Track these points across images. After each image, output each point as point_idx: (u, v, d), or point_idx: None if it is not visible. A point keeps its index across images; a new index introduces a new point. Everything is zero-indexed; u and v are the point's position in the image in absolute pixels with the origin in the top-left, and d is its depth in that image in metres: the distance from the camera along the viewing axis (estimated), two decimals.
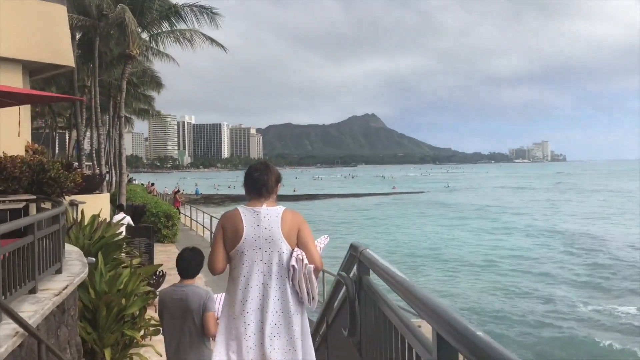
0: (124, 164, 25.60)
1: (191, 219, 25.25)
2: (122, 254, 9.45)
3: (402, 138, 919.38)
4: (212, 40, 26.12)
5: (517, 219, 47.40)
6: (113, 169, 44.93)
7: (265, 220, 3.37)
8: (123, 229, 12.13)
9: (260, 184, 3.45)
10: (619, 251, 29.62)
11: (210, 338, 4.46)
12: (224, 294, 3.72)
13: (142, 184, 51.86)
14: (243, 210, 3.46)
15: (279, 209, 3.45)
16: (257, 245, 3.35)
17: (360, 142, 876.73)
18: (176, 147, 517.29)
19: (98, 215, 9.86)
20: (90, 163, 39.94)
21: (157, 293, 11.01)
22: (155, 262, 16.81)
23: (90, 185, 10.30)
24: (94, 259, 6.95)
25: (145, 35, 27.26)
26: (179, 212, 28.59)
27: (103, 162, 28.31)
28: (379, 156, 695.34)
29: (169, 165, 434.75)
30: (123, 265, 8.11)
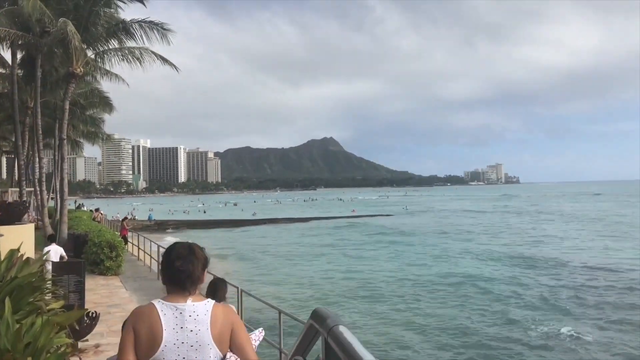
0: (65, 189, 23.84)
1: (139, 249, 23.56)
2: (46, 297, 8.08)
3: (360, 161, 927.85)
4: (163, 59, 24.91)
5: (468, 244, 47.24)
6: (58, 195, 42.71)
7: (191, 320, 2.60)
8: (49, 265, 10.68)
9: (184, 275, 2.64)
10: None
11: None
12: None
13: (90, 211, 49.39)
14: (161, 306, 2.65)
15: (208, 304, 2.68)
16: (180, 354, 2.56)
17: (319, 166, 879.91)
18: (131, 172, 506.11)
19: (18, 250, 8.44)
20: (33, 189, 37.71)
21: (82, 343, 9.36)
22: (95, 297, 15.24)
23: (10, 215, 8.86)
24: None
25: (91, 54, 25.76)
26: (126, 241, 26.85)
27: (44, 187, 26.35)
28: (338, 179, 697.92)
29: (123, 190, 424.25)
30: (39, 311, 6.78)
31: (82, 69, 23.22)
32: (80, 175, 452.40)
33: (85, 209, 62.28)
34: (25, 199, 30.15)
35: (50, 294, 8.55)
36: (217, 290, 6.64)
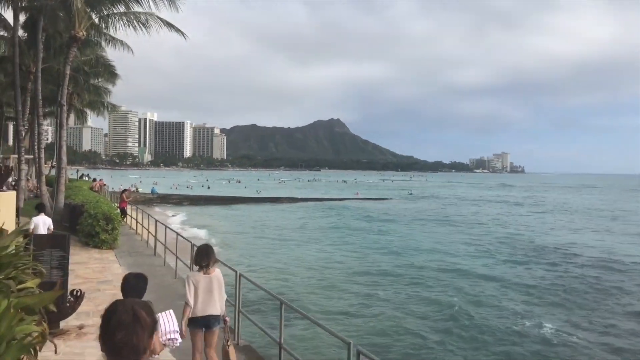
0: (64, 157, 23.06)
1: (137, 222, 22.79)
2: (23, 274, 7.27)
3: (366, 144, 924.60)
4: (170, 26, 23.86)
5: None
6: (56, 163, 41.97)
7: None
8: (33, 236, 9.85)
9: (126, 350, 2.17)
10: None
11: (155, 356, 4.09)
12: (166, 312, 4.60)
13: (93, 180, 48.71)
14: None
15: None
16: None
17: (325, 147, 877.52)
18: (137, 144, 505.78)
19: None
20: (32, 156, 36.97)
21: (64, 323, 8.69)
22: (86, 272, 14.48)
23: None
24: None
25: (95, 17, 24.73)
26: (125, 214, 26.11)
27: (43, 154, 25.53)
28: (343, 161, 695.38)
29: (128, 163, 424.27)
30: (11, 291, 5.96)
31: (84, 33, 22.26)
32: (86, 146, 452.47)
33: (87, 179, 61.66)
34: (8, 164, 29.35)
35: (29, 270, 7.78)
36: (209, 256, 6.81)
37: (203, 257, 6.83)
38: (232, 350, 6.92)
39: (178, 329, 5.20)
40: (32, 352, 5.65)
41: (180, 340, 5.25)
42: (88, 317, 9.95)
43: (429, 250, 32.77)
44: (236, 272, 9.15)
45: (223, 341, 7.03)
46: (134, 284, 5.13)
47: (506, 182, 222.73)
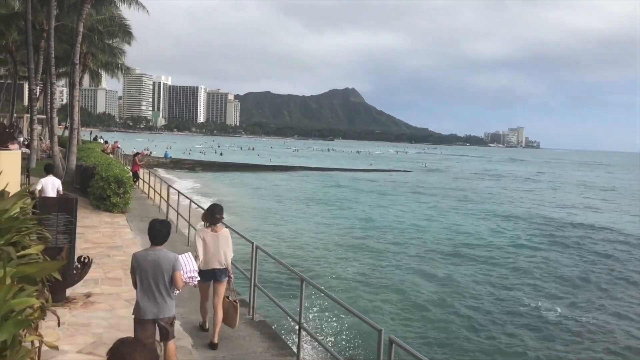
0: (75, 118, 22.57)
1: (149, 186, 22.34)
2: (26, 239, 6.76)
3: (380, 115, 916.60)
4: None
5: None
6: (79, 126, 41.52)
7: None
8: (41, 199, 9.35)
9: None
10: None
11: (176, 290, 5.73)
12: (186, 255, 5.97)
13: (105, 142, 48.41)
14: None
15: None
16: None
17: (339, 116, 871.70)
18: (150, 108, 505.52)
19: None
20: (44, 117, 36.57)
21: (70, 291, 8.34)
22: (96, 237, 14.06)
23: None
24: None
25: None
26: (137, 178, 25.68)
27: (55, 114, 25.01)
28: (357, 131, 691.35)
29: (142, 126, 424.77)
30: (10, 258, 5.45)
31: None
32: (101, 108, 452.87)
33: (101, 141, 61.47)
34: (8, 123, 28.93)
35: (34, 236, 7.28)
36: (218, 214, 7.35)
37: (211, 215, 7.39)
38: (237, 306, 7.49)
39: (197, 270, 6.05)
40: (32, 325, 5.19)
41: (198, 279, 6.07)
42: (96, 284, 9.52)
43: (445, 227, 32.13)
44: (252, 243, 8.60)
45: (229, 297, 7.57)
46: (159, 229, 5.79)
47: (520, 157, 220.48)
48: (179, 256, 5.87)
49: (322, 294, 6.67)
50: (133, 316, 5.80)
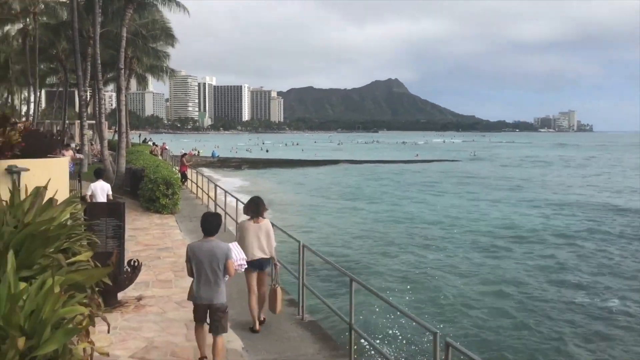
0: (123, 122, 23.04)
1: (197, 186, 22.59)
2: (76, 245, 6.82)
3: (425, 104, 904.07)
4: None
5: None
6: (127, 129, 42.63)
7: None
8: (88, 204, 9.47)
9: None
10: None
11: (227, 277, 6.30)
12: (234, 244, 6.79)
13: (153, 144, 49.45)
14: None
15: None
16: None
17: (382, 108, 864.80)
18: (197, 109, 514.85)
19: (45, 188, 7.19)
20: (94, 122, 37.59)
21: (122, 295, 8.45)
22: (147, 239, 14.25)
23: (37, 146, 7.55)
24: None
25: None
26: (186, 178, 26.04)
27: (104, 119, 25.62)
28: (401, 122, 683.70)
29: (189, 127, 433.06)
30: (54, 268, 5.47)
31: None
32: (149, 111, 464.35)
33: (150, 143, 62.83)
34: (61, 129, 29.59)
35: (84, 242, 7.35)
36: (259, 206, 7.76)
37: (252, 207, 7.79)
38: (279, 291, 7.87)
39: (245, 258, 6.89)
40: (83, 332, 5.18)
41: (246, 266, 6.94)
42: (147, 287, 9.59)
43: (496, 218, 31.27)
44: (299, 242, 8.46)
45: (272, 283, 8.00)
46: (211, 221, 6.37)
47: (572, 142, 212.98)
48: (230, 245, 6.47)
49: (371, 293, 6.43)
50: (190, 302, 6.42)
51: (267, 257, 7.70)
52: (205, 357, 6.33)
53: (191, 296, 6.37)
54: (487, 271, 18.85)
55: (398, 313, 5.63)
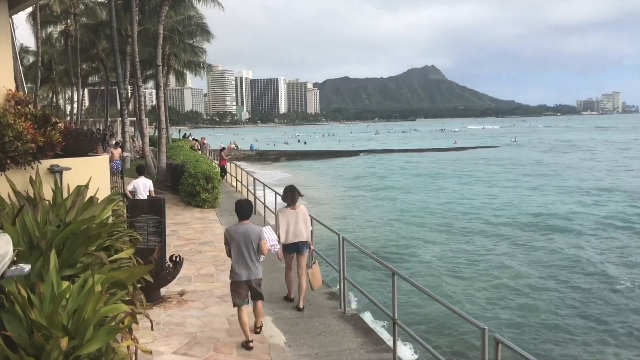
0: (162, 118, 23.30)
1: (236, 180, 22.73)
2: (118, 242, 6.88)
3: (463, 90, 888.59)
4: None
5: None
6: (167, 125, 43.39)
7: None
8: (132, 201, 9.56)
9: None
10: None
11: (262, 255, 7.01)
12: (268, 227, 7.50)
13: (193, 139, 50.06)
14: None
15: None
16: None
17: (419, 95, 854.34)
18: (234, 103, 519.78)
19: (86, 187, 7.28)
20: (134, 119, 38.27)
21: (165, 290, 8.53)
22: (188, 233, 14.38)
23: (78, 145, 7.64)
24: (27, 267, 4.28)
25: None
26: (225, 172, 26.24)
27: (144, 116, 26.05)
28: (439, 109, 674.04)
29: (227, 121, 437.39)
30: (97, 266, 5.51)
31: None
32: (188, 106, 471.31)
33: (191, 139, 63.63)
34: (104, 127, 30.03)
35: (126, 238, 7.42)
36: (294, 194, 8.38)
37: (289, 195, 8.41)
38: (316, 270, 8.42)
39: (277, 239, 7.70)
40: (127, 330, 5.19)
41: (278, 247, 7.70)
42: (189, 282, 9.65)
43: (540, 205, 30.46)
44: (339, 235, 8.34)
45: (310, 263, 8.66)
46: (245, 207, 7.11)
47: (616, 125, 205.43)
48: (263, 228, 7.17)
49: (414, 287, 6.25)
50: (230, 280, 7.09)
51: (305, 240, 8.33)
52: (252, 341, 6.85)
53: (231, 275, 7.02)
54: (532, 260, 18.34)
55: (442, 307, 5.43)
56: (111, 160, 20.18)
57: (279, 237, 8.05)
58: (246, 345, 6.80)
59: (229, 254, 7.04)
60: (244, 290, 6.89)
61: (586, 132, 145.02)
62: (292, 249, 8.32)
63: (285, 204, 8.46)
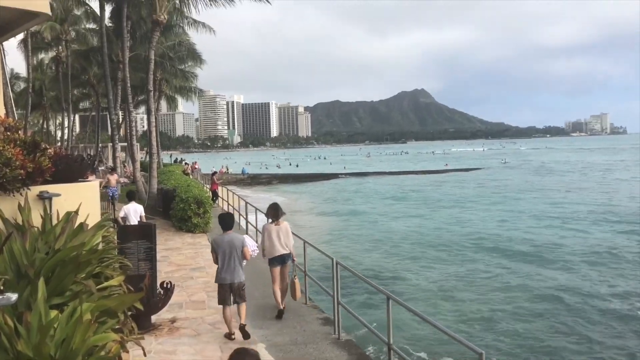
0: (154, 143, 23.22)
1: (228, 204, 22.62)
2: (108, 270, 6.76)
3: (452, 113, 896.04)
4: None
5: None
6: (159, 150, 43.29)
7: None
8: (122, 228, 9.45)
9: None
10: None
11: (245, 260, 8.03)
12: (247, 236, 9.08)
13: (185, 163, 49.98)
14: None
15: None
16: None
17: (410, 118, 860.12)
18: (226, 127, 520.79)
19: (76, 213, 7.18)
20: (125, 144, 38.20)
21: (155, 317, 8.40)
22: (179, 259, 14.21)
23: (69, 171, 7.56)
24: (14, 296, 4.17)
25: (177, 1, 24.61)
26: (217, 196, 26.13)
27: (135, 141, 26.00)
28: (429, 132, 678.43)
29: (219, 145, 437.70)
30: (86, 294, 5.39)
31: (165, 17, 22.09)
32: (180, 131, 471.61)
33: (184, 163, 63.47)
34: (93, 152, 29.90)
35: (116, 265, 7.29)
36: (277, 211, 9.25)
37: (272, 212, 9.28)
38: (297, 281, 9.30)
39: (257, 246, 8.95)
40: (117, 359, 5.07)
41: (257, 252, 8.82)
42: (180, 308, 9.49)
43: (527, 232, 30.45)
44: (332, 259, 8.27)
45: (291, 275, 9.44)
46: (227, 219, 8.23)
47: (604, 146, 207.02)
48: (245, 236, 8.27)
49: (409, 311, 6.17)
50: (216, 284, 8.06)
51: (288, 252, 9.14)
52: (234, 334, 7.83)
53: (217, 279, 7.96)
54: (527, 285, 18.24)
55: (438, 331, 5.35)
56: (108, 186, 20.00)
57: (263, 250, 9.12)
58: (229, 337, 7.84)
59: (216, 261, 7.97)
60: (227, 292, 7.87)
61: (574, 153, 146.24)
62: (278, 261, 9.11)
63: (270, 220, 9.23)
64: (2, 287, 5.01)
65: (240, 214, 19.32)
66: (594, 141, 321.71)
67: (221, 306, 8.02)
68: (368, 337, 10.16)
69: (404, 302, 6.25)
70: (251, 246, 8.21)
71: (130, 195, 13.10)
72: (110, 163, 36.31)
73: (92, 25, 37.81)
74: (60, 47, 41.95)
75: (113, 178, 20.77)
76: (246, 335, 7.73)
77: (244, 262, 7.99)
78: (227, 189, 24.28)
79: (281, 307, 9.04)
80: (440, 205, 41.34)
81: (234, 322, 7.99)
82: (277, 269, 9.16)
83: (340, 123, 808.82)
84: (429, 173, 79.85)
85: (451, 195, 48.54)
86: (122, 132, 44.76)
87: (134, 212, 12.42)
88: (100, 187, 20.10)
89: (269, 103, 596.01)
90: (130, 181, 34.32)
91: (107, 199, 19.46)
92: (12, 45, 41.09)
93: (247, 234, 14.46)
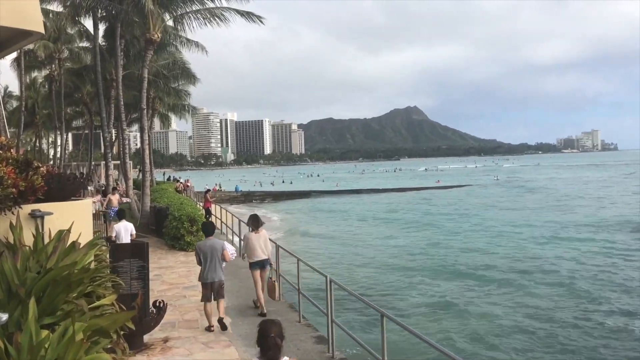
0: (147, 161, 23.17)
1: (221, 222, 22.54)
2: (100, 288, 6.70)
3: (445, 130, 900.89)
4: (247, 15, 22.95)
5: None
6: (152, 168, 43.18)
7: None
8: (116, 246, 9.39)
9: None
10: None
11: (224, 262, 9.21)
12: (226, 242, 10.07)
13: (175, 181, 49.84)
14: None
15: None
16: None
17: (403, 135, 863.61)
18: (219, 145, 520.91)
19: (68, 231, 7.13)
20: (118, 162, 38.09)
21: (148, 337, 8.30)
22: (172, 277, 14.12)
23: (61, 190, 7.52)
24: (5, 316, 4.13)
25: (169, 18, 24.72)
26: (210, 214, 26.03)
27: (127, 159, 25.95)
28: (422, 149, 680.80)
29: (212, 163, 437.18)
30: (78, 313, 5.33)
31: (159, 35, 22.19)
32: (173, 149, 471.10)
33: (177, 181, 63.25)
34: (87, 170, 29.75)
35: (108, 283, 7.23)
36: (257, 221, 10.48)
37: (252, 222, 10.50)
38: (276, 284, 10.50)
39: (235, 251, 10.19)
40: None
41: (236, 255, 10.02)
42: (173, 328, 9.40)
43: (517, 248, 30.53)
44: (326, 277, 8.24)
45: (270, 278, 10.57)
46: (209, 227, 9.64)
47: (594, 162, 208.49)
48: (224, 242, 9.61)
49: (404, 329, 6.14)
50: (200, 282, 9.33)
51: (266, 257, 10.34)
52: (213, 326, 8.98)
53: (201, 278, 9.18)
54: (524, 302, 18.22)
55: (433, 349, 5.32)
56: (110, 207, 19.52)
57: (243, 255, 10.68)
58: (209, 329, 8.98)
59: (199, 263, 9.20)
60: (209, 290, 9.03)
61: (564, 170, 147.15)
62: (258, 266, 10.25)
63: (250, 229, 10.41)
64: None
65: (233, 231, 19.25)
66: (585, 157, 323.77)
67: (203, 303, 9.11)
68: (362, 355, 10.09)
69: (397, 320, 6.22)
70: (230, 249, 9.32)
71: (121, 214, 13.05)
72: (102, 181, 36.12)
73: (85, 44, 37.88)
74: (53, 66, 41.95)
75: (115, 198, 20.28)
76: (224, 327, 8.97)
77: (224, 264, 9.15)
78: (221, 207, 24.19)
79: (264, 311, 10.03)
80: (442, 218, 41.38)
81: (214, 317, 9.03)
82: (258, 272, 10.26)
83: (334, 140, 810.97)
84: (422, 189, 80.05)
85: (446, 211, 48.63)
86: (115, 150, 44.68)
87: (125, 230, 12.35)
88: (102, 206, 19.88)
89: (262, 121, 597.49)
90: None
91: (108, 219, 18.97)
92: (5, 64, 40.94)
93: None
